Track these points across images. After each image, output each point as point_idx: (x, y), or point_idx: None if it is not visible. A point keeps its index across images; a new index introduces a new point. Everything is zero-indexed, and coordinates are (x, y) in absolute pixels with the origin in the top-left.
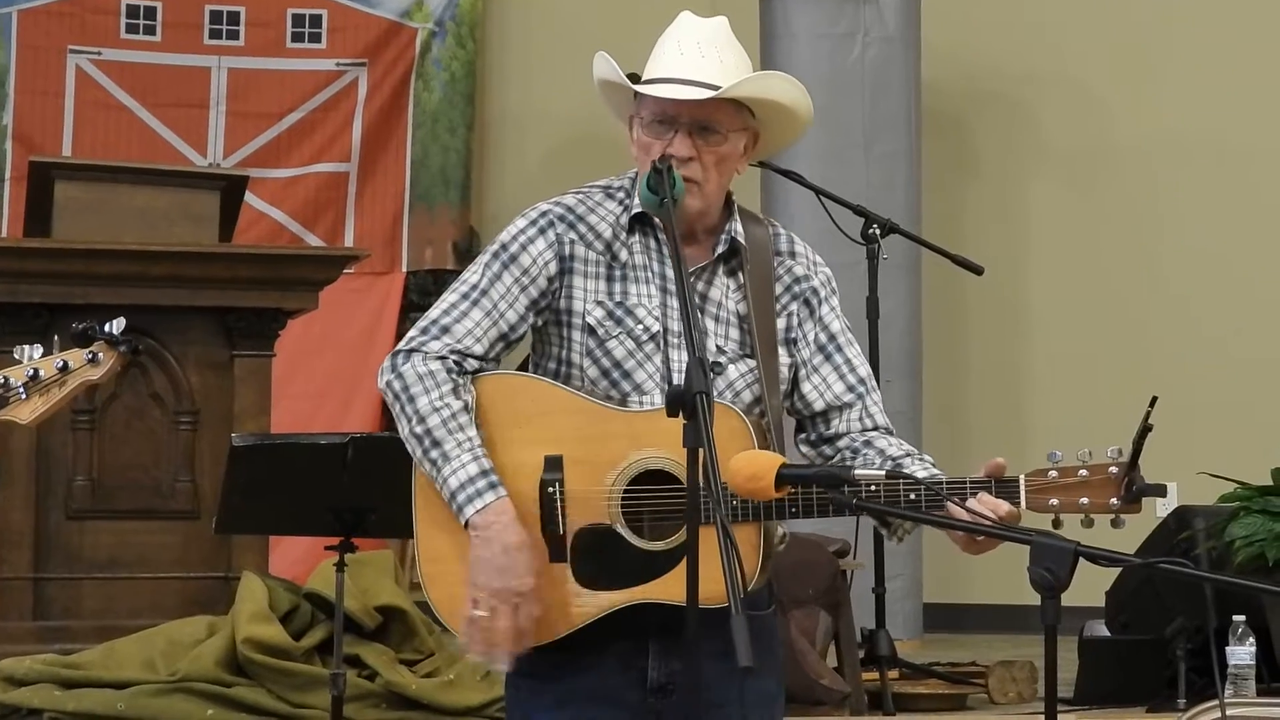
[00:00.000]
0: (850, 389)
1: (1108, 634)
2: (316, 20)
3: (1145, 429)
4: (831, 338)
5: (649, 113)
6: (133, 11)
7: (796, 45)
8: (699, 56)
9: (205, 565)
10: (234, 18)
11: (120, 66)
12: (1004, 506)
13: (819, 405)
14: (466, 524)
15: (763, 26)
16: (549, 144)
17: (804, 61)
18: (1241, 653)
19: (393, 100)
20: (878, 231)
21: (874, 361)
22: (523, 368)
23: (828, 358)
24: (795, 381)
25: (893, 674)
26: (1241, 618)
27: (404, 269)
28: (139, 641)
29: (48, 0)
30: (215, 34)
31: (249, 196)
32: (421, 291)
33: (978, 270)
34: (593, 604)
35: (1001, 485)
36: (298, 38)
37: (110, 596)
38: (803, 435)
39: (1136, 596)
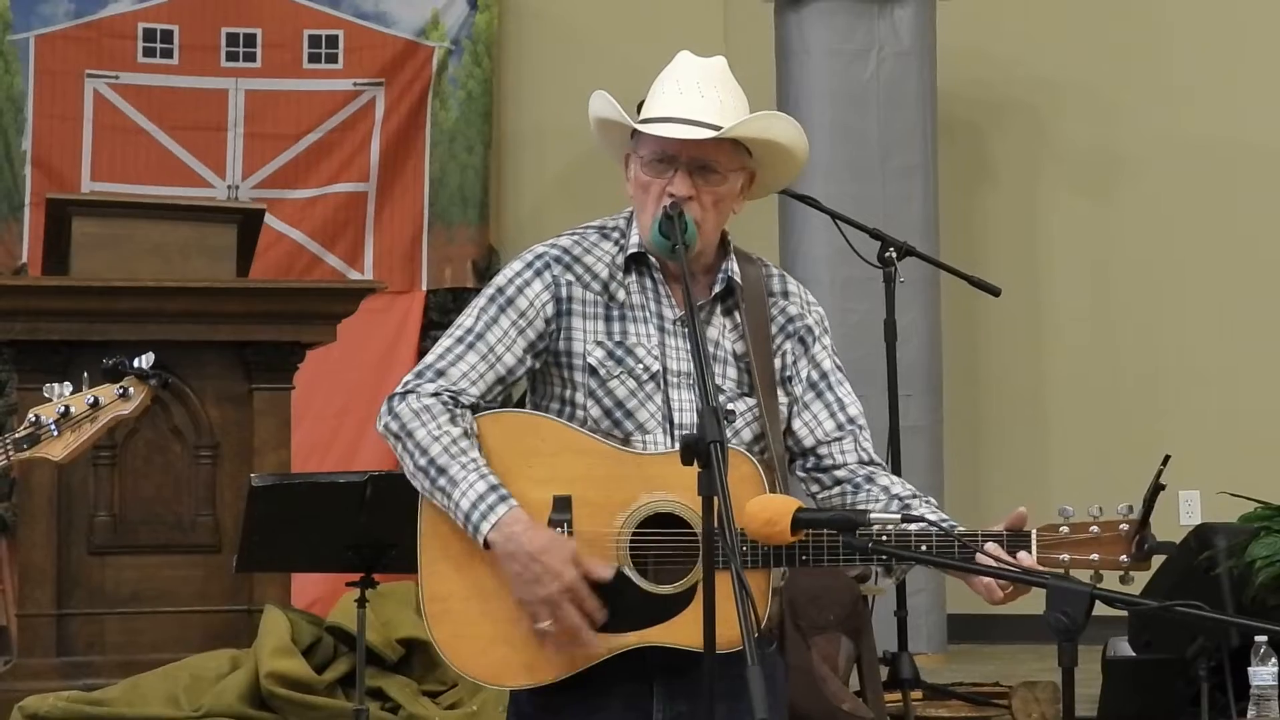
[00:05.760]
0: (840, 427)
1: (1131, 652)
2: (333, 40)
3: (1157, 488)
4: (823, 375)
5: (648, 151)
6: (150, 35)
7: (811, 62)
8: (699, 96)
9: (227, 599)
10: (251, 40)
11: (138, 90)
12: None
13: (809, 442)
14: (486, 544)
15: (777, 44)
16: (567, 161)
17: (819, 78)
18: (1264, 673)
19: (410, 119)
20: (894, 254)
21: (891, 376)
22: (519, 406)
23: (819, 395)
24: (788, 418)
25: (915, 695)
26: (1263, 638)
27: (424, 288)
28: (162, 676)
29: (65, 25)
30: (232, 56)
31: (267, 217)
32: (442, 310)
33: (994, 292)
34: (600, 645)
35: (1014, 539)
36: (314, 58)
37: (133, 631)
38: (798, 464)
39: (1159, 614)
